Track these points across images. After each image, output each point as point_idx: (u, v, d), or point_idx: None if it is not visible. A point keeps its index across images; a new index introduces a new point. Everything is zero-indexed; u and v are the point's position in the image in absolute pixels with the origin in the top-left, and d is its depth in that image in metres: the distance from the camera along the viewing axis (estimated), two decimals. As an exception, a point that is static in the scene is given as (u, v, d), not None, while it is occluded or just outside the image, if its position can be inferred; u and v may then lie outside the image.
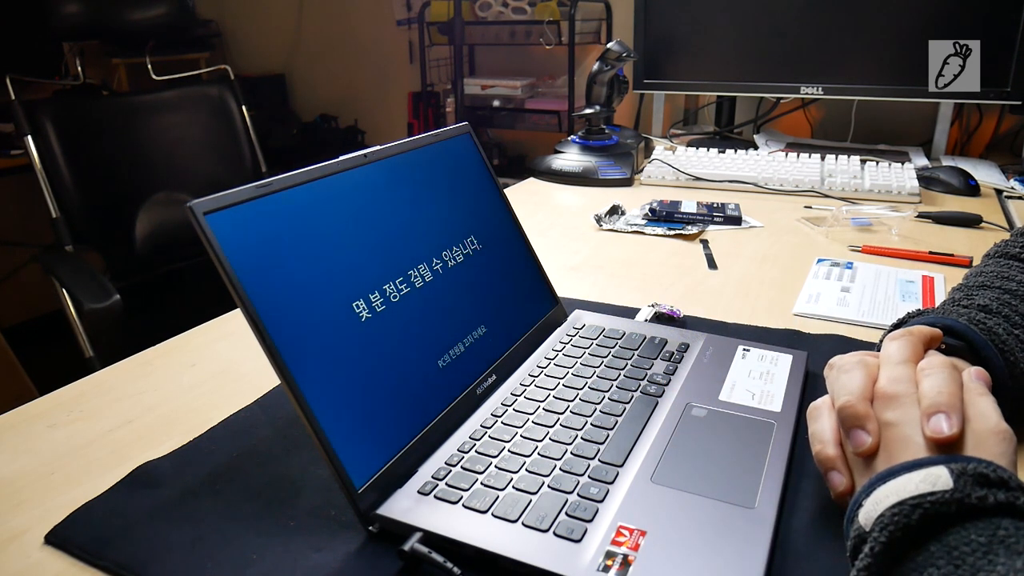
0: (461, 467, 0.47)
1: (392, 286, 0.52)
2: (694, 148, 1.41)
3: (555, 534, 0.41)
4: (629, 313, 0.73)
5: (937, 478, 0.33)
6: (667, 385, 0.57)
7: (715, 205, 1.09)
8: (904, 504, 0.32)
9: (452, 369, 0.54)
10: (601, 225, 1.07)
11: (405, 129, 2.65)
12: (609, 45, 1.34)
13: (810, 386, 0.59)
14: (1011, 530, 0.30)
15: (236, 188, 0.44)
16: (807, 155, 1.31)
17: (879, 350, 0.47)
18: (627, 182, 1.32)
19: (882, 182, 1.19)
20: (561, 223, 1.10)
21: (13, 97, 1.41)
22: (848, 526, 0.37)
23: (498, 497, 0.44)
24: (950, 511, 0.31)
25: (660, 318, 0.73)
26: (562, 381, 0.58)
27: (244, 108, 1.70)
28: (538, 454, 0.49)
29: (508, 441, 0.50)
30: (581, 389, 0.57)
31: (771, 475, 0.46)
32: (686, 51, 1.50)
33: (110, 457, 0.54)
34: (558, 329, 0.68)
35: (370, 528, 0.44)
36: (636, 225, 1.05)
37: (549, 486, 0.45)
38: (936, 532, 0.31)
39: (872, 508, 0.34)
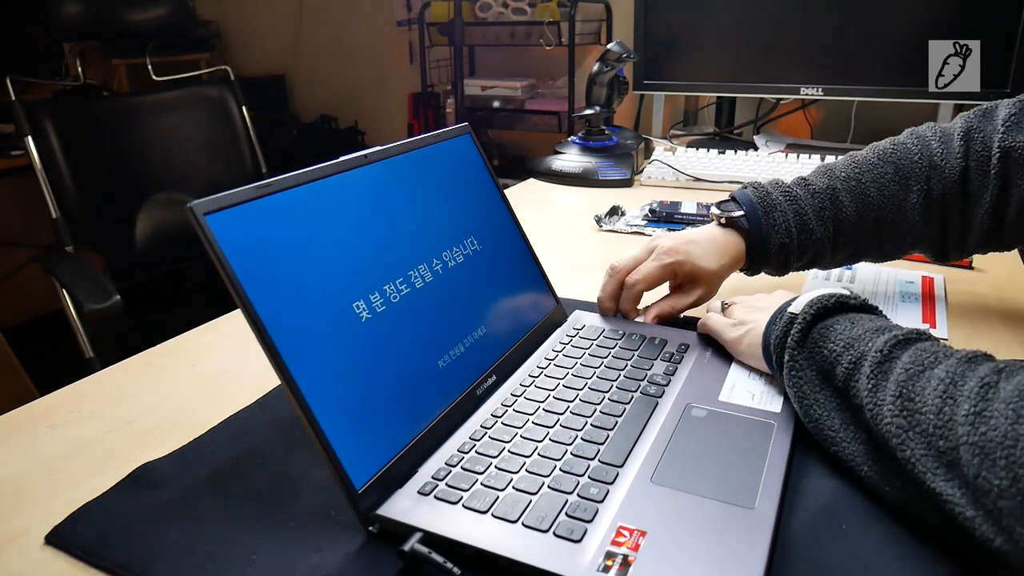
0: (461, 467, 0.47)
1: (392, 286, 0.52)
2: (694, 149, 1.41)
3: (555, 534, 0.41)
4: (629, 313, 0.73)
5: (841, 292, 0.54)
6: (667, 385, 0.57)
7: (715, 206, 1.09)
8: (829, 296, 0.54)
9: (452, 369, 0.54)
10: (601, 226, 1.07)
11: (405, 130, 2.66)
12: (609, 46, 1.34)
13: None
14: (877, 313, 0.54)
15: (236, 188, 0.44)
16: (807, 156, 1.31)
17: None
18: (627, 183, 1.32)
19: (882, 183, 1.19)
20: (561, 223, 1.10)
21: (13, 97, 1.41)
22: (775, 328, 0.55)
23: (498, 497, 0.44)
24: (848, 303, 0.53)
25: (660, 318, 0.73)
26: (562, 382, 0.58)
27: (244, 109, 1.70)
28: (538, 454, 0.49)
29: (508, 441, 0.50)
30: (581, 390, 0.57)
31: (771, 475, 0.46)
32: (686, 52, 1.50)
33: (110, 457, 0.54)
34: (558, 330, 0.68)
35: (370, 528, 0.44)
36: (636, 226, 1.05)
37: (549, 486, 0.45)
38: (841, 311, 0.53)
39: (803, 301, 0.54)
